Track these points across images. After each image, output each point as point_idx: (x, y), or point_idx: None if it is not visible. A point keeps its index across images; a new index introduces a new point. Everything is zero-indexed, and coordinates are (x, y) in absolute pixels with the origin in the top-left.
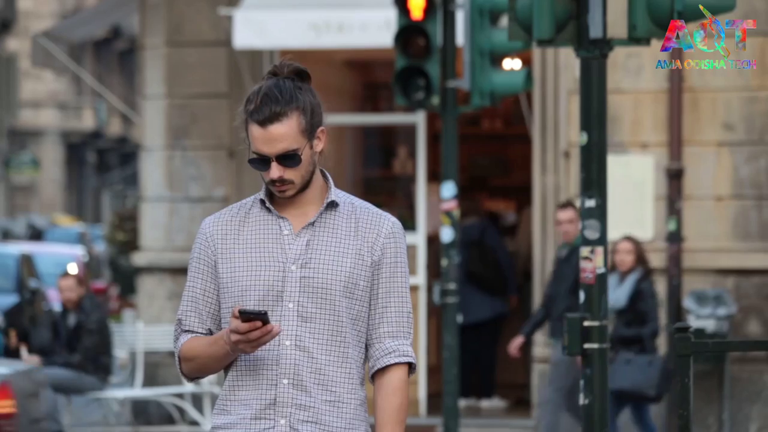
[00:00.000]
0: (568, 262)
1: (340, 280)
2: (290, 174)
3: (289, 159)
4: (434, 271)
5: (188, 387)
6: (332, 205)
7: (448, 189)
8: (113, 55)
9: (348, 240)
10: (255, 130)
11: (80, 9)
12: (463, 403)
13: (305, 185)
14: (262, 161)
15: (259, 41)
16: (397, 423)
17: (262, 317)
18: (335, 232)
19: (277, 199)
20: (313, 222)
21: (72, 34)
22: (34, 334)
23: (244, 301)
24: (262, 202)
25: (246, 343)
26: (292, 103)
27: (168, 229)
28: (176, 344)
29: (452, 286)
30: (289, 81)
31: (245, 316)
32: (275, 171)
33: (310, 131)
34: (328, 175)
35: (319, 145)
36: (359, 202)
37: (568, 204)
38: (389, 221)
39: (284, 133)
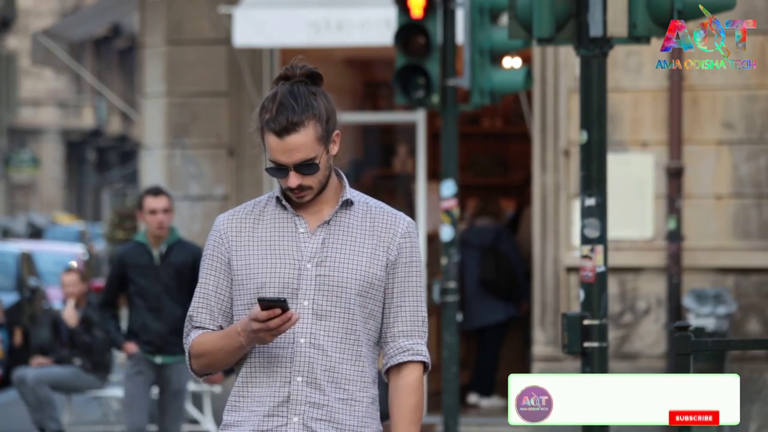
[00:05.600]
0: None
1: (356, 278)
2: (308, 181)
3: (307, 167)
4: (433, 270)
5: (188, 385)
6: (347, 203)
7: (448, 187)
8: (113, 53)
9: (363, 239)
10: (272, 140)
11: (80, 7)
12: (473, 398)
13: (322, 188)
14: (279, 169)
15: (259, 39)
16: (413, 422)
17: (281, 305)
18: (350, 230)
19: None
20: (329, 220)
21: (72, 32)
22: (34, 333)
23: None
24: (278, 199)
25: (266, 331)
26: (308, 111)
27: None
28: (186, 340)
29: (452, 284)
30: (303, 87)
31: (264, 303)
32: (294, 180)
33: (326, 137)
34: (343, 174)
35: (334, 149)
36: (374, 202)
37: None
38: (405, 221)
39: (302, 143)
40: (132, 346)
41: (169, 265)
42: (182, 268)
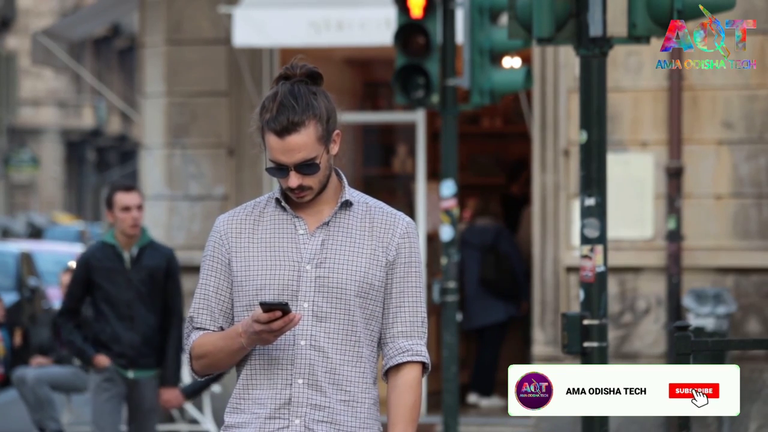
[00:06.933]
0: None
1: (355, 279)
2: (308, 181)
3: (307, 167)
4: (433, 270)
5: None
6: (346, 204)
7: (448, 187)
8: (113, 53)
9: (362, 240)
10: (272, 140)
11: (80, 7)
12: (473, 398)
13: (322, 188)
14: (280, 169)
15: (259, 39)
16: (410, 421)
17: (282, 307)
18: (350, 231)
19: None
20: (328, 222)
21: (72, 32)
22: (34, 333)
23: (259, 300)
24: (278, 201)
25: (269, 333)
26: (309, 111)
27: (168, 227)
28: (187, 341)
29: (452, 284)
30: (303, 86)
31: (266, 306)
32: (294, 180)
33: (326, 137)
34: (342, 175)
35: (335, 149)
36: (373, 202)
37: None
38: (404, 221)
39: (302, 143)
40: (104, 359)
41: (141, 269)
42: (155, 272)
